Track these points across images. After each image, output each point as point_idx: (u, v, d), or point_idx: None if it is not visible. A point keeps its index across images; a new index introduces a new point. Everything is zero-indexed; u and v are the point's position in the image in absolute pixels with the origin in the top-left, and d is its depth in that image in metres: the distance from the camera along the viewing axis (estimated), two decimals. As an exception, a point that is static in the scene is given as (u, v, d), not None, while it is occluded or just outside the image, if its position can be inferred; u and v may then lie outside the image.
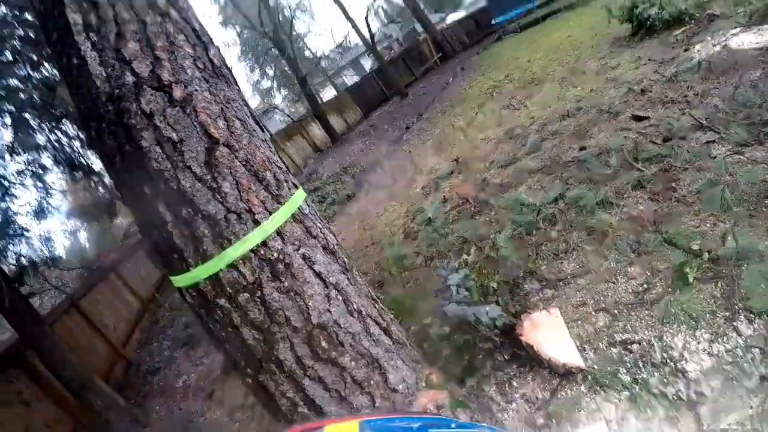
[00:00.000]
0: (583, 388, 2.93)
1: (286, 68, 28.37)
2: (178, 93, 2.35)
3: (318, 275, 2.67)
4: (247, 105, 2.79)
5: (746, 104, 4.98)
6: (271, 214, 2.53)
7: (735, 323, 2.75)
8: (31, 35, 7.01)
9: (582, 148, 6.30)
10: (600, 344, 3.18)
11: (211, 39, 2.72)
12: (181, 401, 6.85)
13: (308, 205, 2.89)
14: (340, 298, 2.76)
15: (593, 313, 3.49)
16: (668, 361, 2.77)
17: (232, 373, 6.59)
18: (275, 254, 2.52)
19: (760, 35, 6.48)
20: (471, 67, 20.27)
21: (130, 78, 2.28)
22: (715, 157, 4.41)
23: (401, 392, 2.87)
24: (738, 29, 7.12)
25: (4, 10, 7.04)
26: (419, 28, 33.00)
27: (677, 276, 3.28)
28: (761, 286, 2.84)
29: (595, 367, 3.00)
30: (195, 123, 2.37)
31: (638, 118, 6.09)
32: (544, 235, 4.86)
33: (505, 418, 3.03)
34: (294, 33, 25.76)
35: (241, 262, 2.43)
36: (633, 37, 9.84)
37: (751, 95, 5.06)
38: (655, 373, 2.73)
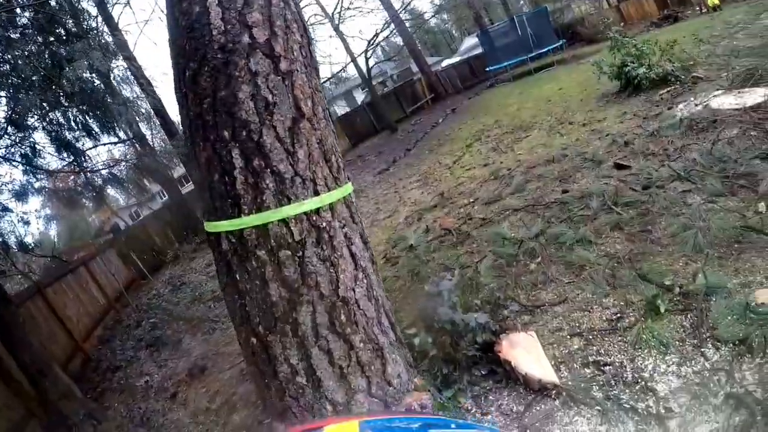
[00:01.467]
0: (557, 402, 3.04)
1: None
2: (283, 66, 2.69)
3: (353, 255, 2.92)
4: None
5: (722, 159, 5.35)
6: (329, 190, 2.81)
7: (702, 349, 2.93)
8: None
9: (564, 191, 6.57)
10: (574, 364, 3.31)
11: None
12: (141, 400, 6.69)
13: (354, 197, 3.15)
14: (365, 281, 2.98)
15: (569, 337, 3.64)
16: (639, 380, 2.92)
17: (198, 375, 6.49)
18: (324, 224, 2.77)
19: (739, 97, 6.96)
20: (462, 110, 20.85)
21: (246, 39, 2.60)
22: (690, 205, 4.71)
23: (394, 386, 2.97)
24: (720, 91, 7.63)
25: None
26: (415, 68, 33.84)
27: (649, 307, 3.46)
28: (728, 318, 3.04)
29: (570, 383, 3.12)
30: (290, 94, 2.71)
31: (620, 167, 6.41)
32: (524, 267, 5.05)
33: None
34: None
35: (293, 220, 2.66)
36: (621, 94, 10.40)
37: (727, 151, 5.45)
38: (627, 391, 2.87)
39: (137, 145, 16.04)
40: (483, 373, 3.54)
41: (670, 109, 8.03)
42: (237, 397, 5.60)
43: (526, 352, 3.46)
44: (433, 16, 40.18)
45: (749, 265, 3.59)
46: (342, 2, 26.02)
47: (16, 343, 6.09)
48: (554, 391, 3.11)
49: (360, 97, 46.14)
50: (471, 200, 8.27)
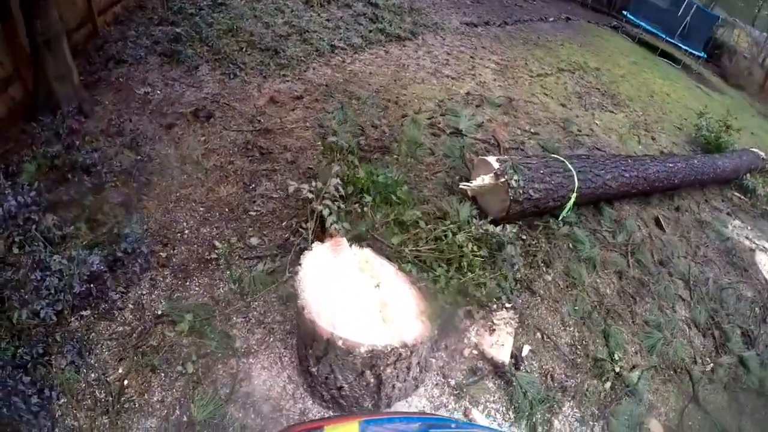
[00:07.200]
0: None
1: None
2: None
3: None
4: None
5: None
6: None
7: None
8: None
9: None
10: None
11: None
12: (134, 113, 6.06)
13: None
14: None
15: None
16: None
17: (202, 120, 6.13)
18: None
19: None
20: (576, 27, 18.57)
21: None
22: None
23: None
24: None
25: None
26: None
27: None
28: None
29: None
30: None
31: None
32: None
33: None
34: None
35: None
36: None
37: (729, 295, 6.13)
38: None
39: None
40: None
41: (729, 215, 7.98)
42: (233, 168, 5.37)
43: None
44: None
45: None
46: None
47: (37, 4, 5.27)
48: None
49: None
50: (532, 130, 7.87)
